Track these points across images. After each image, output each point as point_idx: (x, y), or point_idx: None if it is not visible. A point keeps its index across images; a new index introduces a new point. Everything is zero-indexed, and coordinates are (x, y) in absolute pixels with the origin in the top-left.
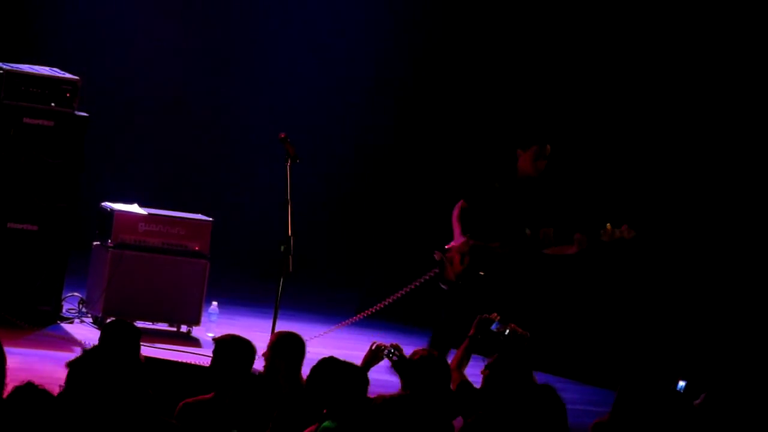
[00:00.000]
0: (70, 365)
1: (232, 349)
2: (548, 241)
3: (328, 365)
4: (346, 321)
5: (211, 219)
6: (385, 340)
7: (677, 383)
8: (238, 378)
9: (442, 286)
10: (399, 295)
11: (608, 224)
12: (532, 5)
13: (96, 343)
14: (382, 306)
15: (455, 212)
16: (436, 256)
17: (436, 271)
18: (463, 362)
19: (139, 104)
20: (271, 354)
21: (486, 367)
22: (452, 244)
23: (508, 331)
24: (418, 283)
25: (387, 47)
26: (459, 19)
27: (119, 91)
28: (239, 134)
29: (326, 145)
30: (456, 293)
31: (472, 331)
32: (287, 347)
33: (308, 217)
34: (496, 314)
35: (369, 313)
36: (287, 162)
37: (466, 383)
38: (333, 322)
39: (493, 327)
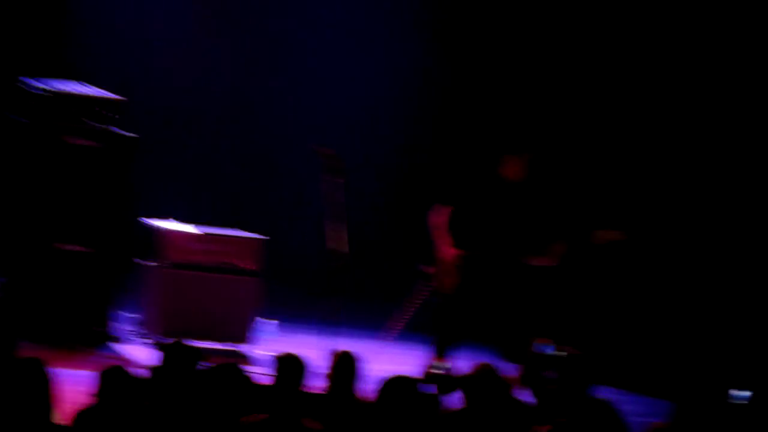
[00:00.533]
0: (103, 375)
1: (291, 366)
2: (542, 249)
3: (399, 383)
4: (385, 335)
5: (262, 237)
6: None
7: (738, 394)
8: (295, 396)
9: (438, 300)
10: (406, 316)
11: (596, 231)
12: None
13: (155, 363)
14: (396, 325)
15: (439, 220)
16: (427, 271)
17: (430, 284)
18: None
19: (185, 121)
20: (331, 372)
21: (550, 383)
22: (443, 256)
23: (563, 353)
24: (418, 300)
25: (425, 54)
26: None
27: (164, 108)
28: (289, 149)
29: (371, 157)
30: (453, 305)
31: (526, 360)
32: (343, 366)
33: (356, 231)
34: (548, 339)
35: (390, 333)
36: (328, 175)
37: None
38: (385, 336)
39: (548, 351)
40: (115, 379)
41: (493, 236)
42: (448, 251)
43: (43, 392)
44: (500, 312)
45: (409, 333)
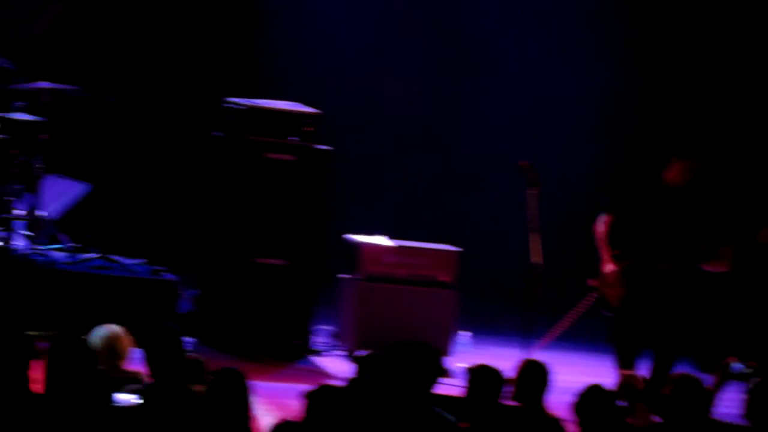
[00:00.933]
0: (310, 396)
1: (485, 378)
2: (712, 254)
3: (596, 394)
4: (538, 344)
5: (458, 249)
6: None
7: None
8: (491, 408)
9: (606, 314)
10: (566, 326)
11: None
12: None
13: (351, 375)
14: (553, 335)
15: (600, 229)
16: (592, 284)
17: (595, 295)
18: None
19: (379, 134)
20: (516, 383)
21: (746, 392)
22: (606, 268)
23: (752, 370)
24: (580, 312)
25: (624, 66)
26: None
27: (359, 121)
28: (481, 161)
29: (565, 170)
30: (622, 318)
31: (717, 378)
32: (531, 376)
33: (551, 242)
34: (733, 357)
35: (545, 342)
36: (530, 189)
37: None
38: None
39: (737, 369)
40: (323, 397)
41: (662, 243)
42: (608, 262)
43: (241, 404)
44: (683, 321)
45: (592, 344)
